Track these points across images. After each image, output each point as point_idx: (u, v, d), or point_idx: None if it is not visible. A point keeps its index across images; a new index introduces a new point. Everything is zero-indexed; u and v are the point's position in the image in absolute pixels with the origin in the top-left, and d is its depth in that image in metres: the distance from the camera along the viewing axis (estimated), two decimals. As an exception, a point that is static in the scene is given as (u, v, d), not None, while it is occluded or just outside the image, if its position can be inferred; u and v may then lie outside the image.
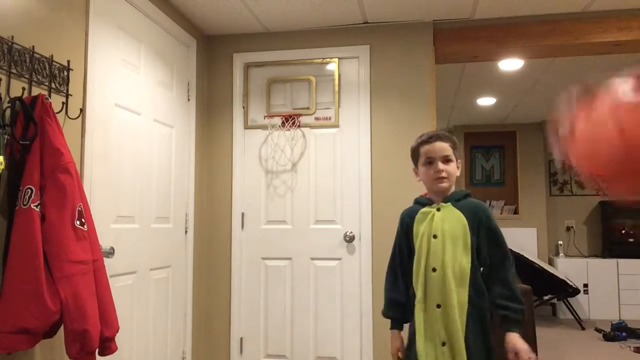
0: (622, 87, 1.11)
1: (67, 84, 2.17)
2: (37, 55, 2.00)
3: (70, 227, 1.83)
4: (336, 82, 3.41)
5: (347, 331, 3.30)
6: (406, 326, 1.95)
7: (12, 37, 1.89)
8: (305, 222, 3.40)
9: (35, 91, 1.99)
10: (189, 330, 3.23)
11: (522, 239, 6.47)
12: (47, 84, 2.05)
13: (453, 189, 1.94)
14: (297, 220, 3.42)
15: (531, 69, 4.38)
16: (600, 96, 1.13)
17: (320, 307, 3.34)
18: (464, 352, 1.74)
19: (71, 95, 2.20)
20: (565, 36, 3.25)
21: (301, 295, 3.37)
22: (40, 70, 2.01)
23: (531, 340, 2.21)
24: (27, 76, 1.95)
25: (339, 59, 3.42)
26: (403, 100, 3.34)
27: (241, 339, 3.42)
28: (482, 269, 1.84)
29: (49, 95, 2.05)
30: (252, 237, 3.46)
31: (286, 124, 3.44)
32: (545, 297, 5.92)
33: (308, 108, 3.45)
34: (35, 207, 1.77)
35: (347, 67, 3.43)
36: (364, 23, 3.39)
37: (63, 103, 2.15)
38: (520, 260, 5.68)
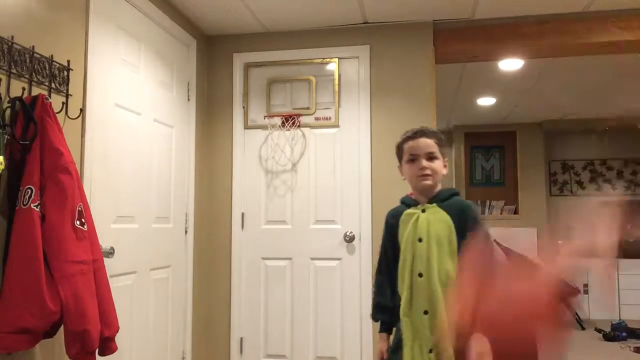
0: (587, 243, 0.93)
1: (67, 84, 2.17)
2: (37, 55, 2.00)
3: (70, 227, 1.83)
4: (336, 82, 3.41)
5: (347, 331, 3.30)
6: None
7: (12, 37, 1.89)
8: (305, 222, 3.40)
9: (35, 91, 1.99)
10: (189, 330, 3.23)
11: (522, 239, 6.46)
12: (47, 84, 2.05)
13: (439, 187, 1.89)
14: (297, 220, 3.42)
15: (531, 69, 4.37)
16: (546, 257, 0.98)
17: (320, 307, 3.34)
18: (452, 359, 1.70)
19: (71, 95, 2.20)
20: (565, 36, 3.25)
21: (301, 295, 3.37)
22: (40, 70, 2.01)
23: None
24: (27, 76, 1.95)
25: (339, 59, 3.42)
26: (403, 100, 3.34)
27: (241, 339, 3.42)
28: None
29: (49, 95, 2.05)
30: (252, 237, 3.46)
31: (286, 124, 3.44)
32: (545, 297, 5.91)
33: (308, 108, 3.45)
34: (35, 207, 1.77)
35: (347, 67, 3.43)
36: (364, 23, 3.39)
37: (63, 103, 2.15)
38: (520, 261, 5.67)
